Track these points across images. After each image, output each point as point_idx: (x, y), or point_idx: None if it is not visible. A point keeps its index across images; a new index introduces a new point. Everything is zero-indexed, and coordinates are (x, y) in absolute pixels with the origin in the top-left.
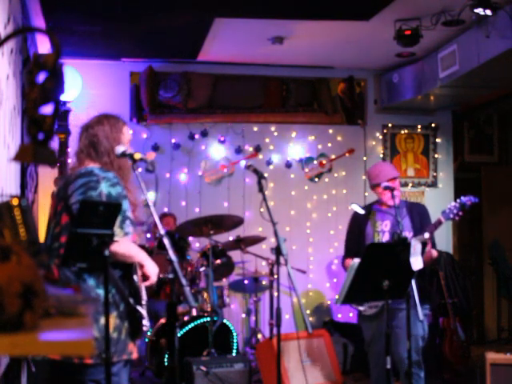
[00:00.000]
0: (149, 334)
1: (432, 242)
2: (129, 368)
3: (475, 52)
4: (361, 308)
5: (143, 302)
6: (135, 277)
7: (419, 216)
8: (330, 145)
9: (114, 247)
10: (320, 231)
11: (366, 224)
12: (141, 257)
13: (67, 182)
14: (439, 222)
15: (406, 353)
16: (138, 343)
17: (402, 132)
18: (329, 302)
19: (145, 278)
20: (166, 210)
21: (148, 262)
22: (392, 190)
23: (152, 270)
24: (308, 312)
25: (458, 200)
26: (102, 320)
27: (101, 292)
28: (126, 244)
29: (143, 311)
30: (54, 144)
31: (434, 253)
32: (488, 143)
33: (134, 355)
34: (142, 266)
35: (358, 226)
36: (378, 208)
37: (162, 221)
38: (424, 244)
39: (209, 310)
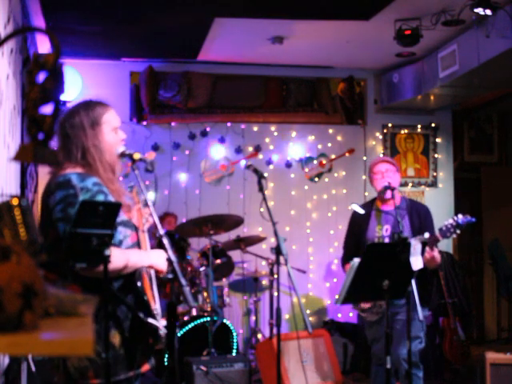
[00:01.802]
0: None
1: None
2: (139, 382)
3: (475, 52)
4: (362, 314)
5: (155, 308)
6: (139, 283)
7: (419, 217)
8: (330, 145)
9: (114, 264)
10: (320, 231)
11: (367, 227)
12: (141, 260)
13: (49, 188)
14: (436, 240)
15: (403, 354)
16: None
17: (402, 132)
18: (329, 302)
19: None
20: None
21: (151, 259)
22: (392, 189)
23: (160, 264)
24: (308, 312)
25: (455, 218)
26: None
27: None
28: (117, 257)
29: (156, 321)
30: (54, 144)
31: (438, 258)
32: (488, 143)
33: (145, 367)
34: (150, 267)
35: (357, 227)
36: (378, 209)
37: (164, 220)
38: (424, 244)
39: (209, 309)
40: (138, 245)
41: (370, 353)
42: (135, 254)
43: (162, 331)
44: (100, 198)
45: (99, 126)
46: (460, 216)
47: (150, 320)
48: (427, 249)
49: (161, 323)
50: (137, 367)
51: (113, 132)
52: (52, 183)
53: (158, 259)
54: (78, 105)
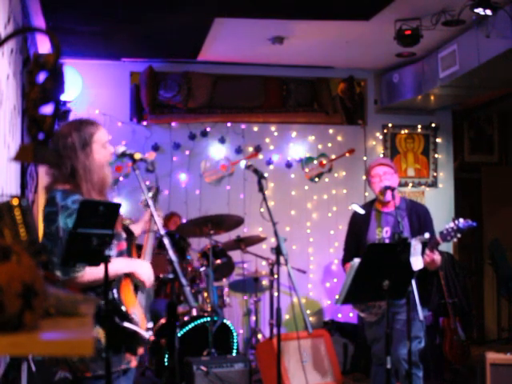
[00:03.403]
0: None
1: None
2: (131, 375)
3: (475, 52)
4: (362, 314)
5: (133, 312)
6: (115, 291)
7: (418, 218)
8: (330, 145)
9: (91, 275)
10: (320, 231)
11: (367, 229)
12: (124, 267)
13: (45, 201)
14: (436, 243)
15: (403, 354)
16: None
17: (402, 132)
18: (329, 302)
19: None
20: (145, 208)
21: (135, 267)
22: (392, 189)
23: (143, 274)
24: (308, 312)
25: (456, 222)
26: (95, 332)
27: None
28: (94, 269)
29: (132, 325)
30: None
31: (438, 260)
32: (488, 143)
33: (133, 363)
34: (132, 274)
35: (358, 228)
36: (378, 210)
37: (170, 220)
38: (424, 244)
39: (209, 310)
40: (127, 252)
41: (370, 353)
42: (116, 262)
43: (143, 333)
44: None
45: (90, 145)
46: (461, 220)
47: (126, 324)
48: (427, 251)
49: (141, 326)
50: (126, 362)
51: (102, 148)
52: (46, 197)
53: (141, 268)
54: (69, 125)
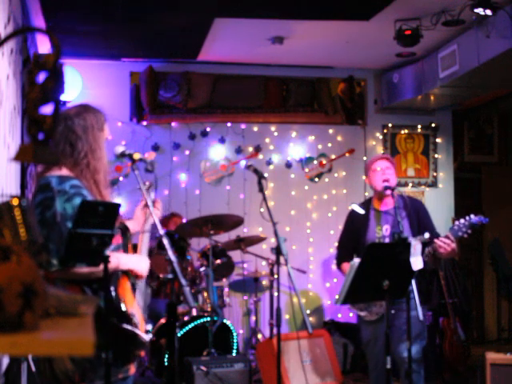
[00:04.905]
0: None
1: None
2: (130, 381)
3: (475, 52)
4: (362, 314)
5: (132, 313)
6: (112, 289)
7: (416, 213)
8: (330, 145)
9: (85, 269)
10: (320, 231)
11: (367, 228)
12: (125, 263)
13: (34, 190)
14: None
15: (406, 352)
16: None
17: (402, 132)
18: (329, 302)
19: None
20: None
21: (132, 262)
22: (392, 189)
23: (140, 268)
24: (308, 312)
25: (467, 218)
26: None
27: None
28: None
29: (131, 327)
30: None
31: (456, 249)
32: (488, 143)
33: (132, 370)
34: (130, 271)
35: (355, 227)
36: (376, 210)
37: (171, 220)
38: (424, 244)
39: (209, 310)
40: (124, 247)
41: (367, 357)
42: (117, 257)
43: (143, 336)
44: (77, 200)
45: (103, 131)
46: (472, 216)
47: (126, 326)
48: (448, 241)
49: (140, 328)
50: (125, 370)
51: (105, 141)
52: (36, 185)
53: (138, 264)
54: (85, 106)
